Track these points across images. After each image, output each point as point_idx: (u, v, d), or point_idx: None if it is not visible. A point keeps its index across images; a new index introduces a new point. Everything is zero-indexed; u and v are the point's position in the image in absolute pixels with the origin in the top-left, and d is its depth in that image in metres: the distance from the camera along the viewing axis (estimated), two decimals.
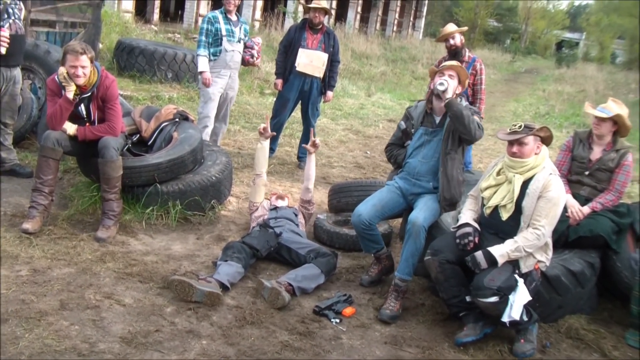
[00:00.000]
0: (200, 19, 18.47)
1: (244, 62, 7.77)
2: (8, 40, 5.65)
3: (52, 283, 4.35)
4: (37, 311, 3.94)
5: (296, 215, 5.66)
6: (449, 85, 4.72)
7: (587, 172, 5.14)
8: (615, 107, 5.00)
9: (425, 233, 4.65)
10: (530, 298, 4.09)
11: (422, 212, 4.72)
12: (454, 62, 4.93)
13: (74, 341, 3.69)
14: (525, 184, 4.22)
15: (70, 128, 5.29)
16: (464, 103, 4.81)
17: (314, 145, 5.82)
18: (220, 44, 7.37)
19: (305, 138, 8.34)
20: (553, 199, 4.14)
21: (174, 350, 3.76)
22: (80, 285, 4.38)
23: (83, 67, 5.13)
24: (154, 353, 3.70)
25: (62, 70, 5.14)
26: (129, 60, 11.27)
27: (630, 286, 4.69)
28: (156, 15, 18.57)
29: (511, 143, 4.27)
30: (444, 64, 4.98)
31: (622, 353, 4.47)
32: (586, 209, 4.97)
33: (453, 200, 4.79)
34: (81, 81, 5.17)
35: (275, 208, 5.69)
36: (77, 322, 3.91)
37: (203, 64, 7.34)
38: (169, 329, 3.99)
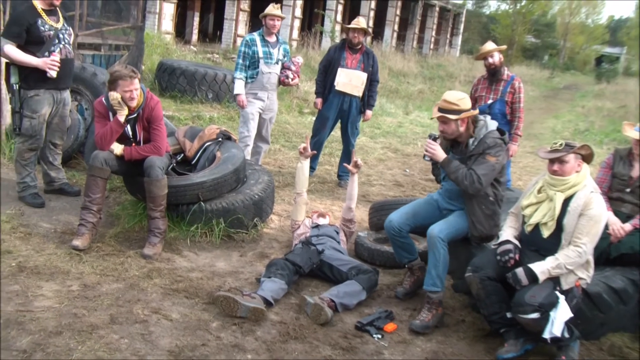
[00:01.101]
0: (238, 39, 18.76)
1: (280, 83, 7.89)
2: (59, 64, 5.85)
3: (101, 298, 4.49)
4: (89, 325, 4.07)
5: (337, 232, 5.74)
6: (435, 153, 4.77)
7: (628, 190, 5.14)
8: None
9: (444, 244, 4.71)
10: (572, 315, 4.10)
11: (440, 224, 4.80)
12: (442, 108, 4.78)
13: (124, 354, 3.81)
14: (566, 202, 4.24)
15: (117, 148, 5.46)
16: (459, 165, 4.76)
17: (356, 165, 5.89)
18: (258, 67, 7.51)
19: (345, 156, 8.42)
20: (594, 216, 4.16)
21: None
22: (129, 300, 4.51)
23: (136, 89, 5.33)
24: None
25: (115, 95, 5.30)
26: (171, 81, 11.51)
27: None
28: (195, 36, 18.93)
29: (552, 161, 4.30)
30: (436, 112, 4.85)
31: None
32: (628, 226, 4.96)
33: (483, 236, 4.81)
34: (134, 104, 5.36)
35: (317, 226, 5.78)
36: (127, 335, 4.03)
37: (239, 87, 7.50)
38: (215, 343, 4.09)
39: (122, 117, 5.35)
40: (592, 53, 62.36)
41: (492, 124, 4.81)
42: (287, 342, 4.21)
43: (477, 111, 4.87)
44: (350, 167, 5.93)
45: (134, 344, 3.95)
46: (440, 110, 4.78)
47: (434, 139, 4.85)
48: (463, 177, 4.66)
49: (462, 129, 4.75)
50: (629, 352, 4.59)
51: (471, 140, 4.79)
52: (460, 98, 4.76)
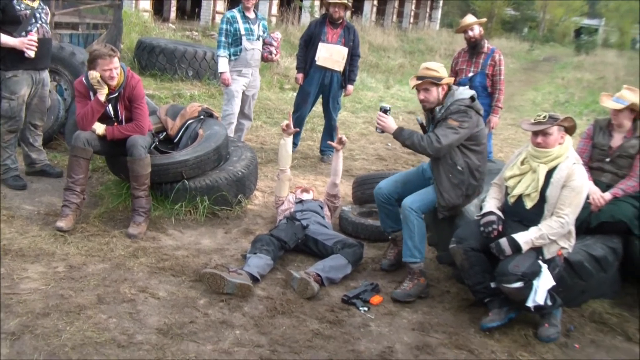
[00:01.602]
0: (217, 16, 18.61)
1: (263, 59, 7.87)
2: (37, 44, 5.79)
3: (88, 278, 4.50)
4: (76, 305, 4.08)
5: (322, 207, 5.78)
6: (386, 124, 4.80)
7: (608, 159, 5.20)
8: (630, 95, 5.05)
9: (417, 215, 4.77)
10: (554, 283, 4.17)
11: (414, 196, 4.86)
12: (424, 74, 4.83)
13: (113, 333, 3.83)
14: (549, 174, 4.28)
15: (100, 128, 5.43)
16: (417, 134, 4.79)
17: (341, 142, 5.90)
18: (240, 44, 7.47)
19: (327, 131, 8.44)
20: (577, 187, 4.21)
21: (208, 340, 3.89)
22: (115, 280, 4.53)
23: (115, 68, 5.29)
24: (189, 343, 3.83)
25: (94, 74, 5.27)
26: (150, 59, 11.42)
27: None
28: (173, 14, 18.74)
29: (536, 133, 4.33)
30: (416, 78, 4.90)
31: None
32: (608, 196, 5.02)
33: (449, 206, 4.83)
34: (114, 82, 5.33)
35: (301, 201, 5.80)
36: (115, 315, 4.05)
37: (223, 65, 7.46)
38: (203, 320, 4.12)
39: (102, 97, 5.32)
40: (571, 25, 62.44)
41: (463, 93, 4.82)
42: (275, 317, 4.25)
43: (452, 79, 4.91)
44: (334, 144, 5.93)
45: (123, 323, 3.97)
46: (421, 78, 4.81)
47: (385, 112, 4.85)
48: (419, 140, 4.68)
49: (441, 96, 4.82)
50: (609, 317, 4.68)
51: (438, 108, 4.84)
52: (439, 66, 4.84)
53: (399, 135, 4.76)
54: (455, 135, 4.66)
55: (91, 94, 5.37)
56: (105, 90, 5.32)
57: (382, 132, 4.88)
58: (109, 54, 5.22)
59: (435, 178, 4.83)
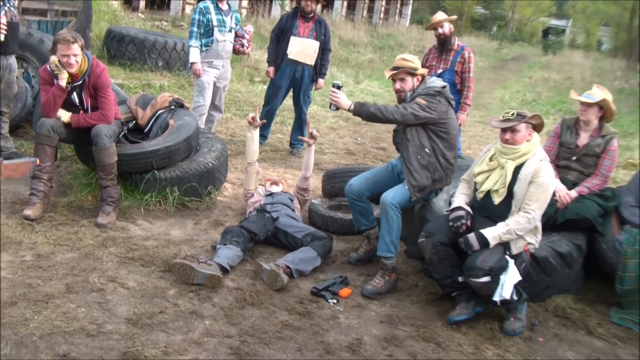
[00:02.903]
0: (187, 7, 18.48)
1: (235, 51, 7.86)
2: (6, 28, 5.71)
3: (56, 267, 4.46)
4: (44, 294, 4.05)
5: (292, 200, 5.80)
6: (339, 100, 4.82)
7: (574, 158, 5.30)
8: (600, 93, 5.16)
9: (396, 211, 4.79)
10: (521, 278, 4.25)
11: (393, 191, 4.88)
12: (400, 64, 4.93)
13: (82, 322, 3.81)
14: (517, 170, 4.36)
15: (65, 115, 5.38)
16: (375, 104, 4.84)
17: (312, 136, 5.92)
18: (212, 35, 7.44)
19: (297, 125, 8.46)
20: (543, 184, 4.29)
21: (178, 330, 3.89)
22: (84, 269, 4.50)
23: (75, 55, 5.21)
24: (159, 333, 3.82)
25: (53, 58, 5.22)
26: (119, 48, 11.29)
27: (615, 267, 4.84)
28: (143, 3, 18.54)
29: (504, 130, 4.41)
30: (392, 69, 4.99)
31: (606, 330, 4.64)
32: (573, 193, 5.12)
33: (420, 186, 4.86)
34: (73, 69, 5.26)
35: (271, 194, 5.81)
36: (84, 304, 4.03)
37: (194, 55, 7.42)
38: (173, 310, 4.11)
39: (62, 82, 5.24)
40: (539, 25, 63.12)
41: (435, 82, 4.93)
42: (244, 308, 4.26)
43: (427, 70, 4.99)
44: (306, 138, 5.95)
45: (91, 313, 3.95)
46: (396, 69, 4.87)
47: (338, 88, 4.87)
48: (384, 108, 4.72)
49: (415, 86, 4.91)
50: (572, 312, 4.79)
51: (409, 94, 4.92)
52: (414, 57, 4.96)
53: (360, 108, 4.77)
54: (421, 110, 4.72)
55: (55, 81, 5.31)
56: (65, 76, 5.24)
57: (337, 109, 4.89)
58: (68, 39, 5.15)
59: (404, 158, 4.88)
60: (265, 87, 8.75)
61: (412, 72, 4.86)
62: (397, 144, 5.17)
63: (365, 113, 4.77)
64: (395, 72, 4.91)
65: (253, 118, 5.96)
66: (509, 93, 19.10)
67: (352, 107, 4.78)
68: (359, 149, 9.40)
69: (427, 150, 4.83)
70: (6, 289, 4.06)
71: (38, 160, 5.29)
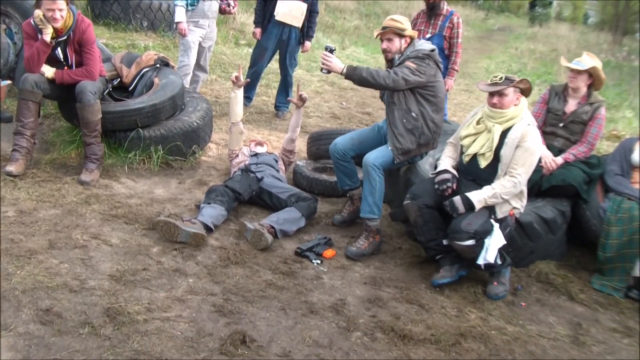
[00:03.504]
0: None
1: (221, 11, 7.73)
2: None
3: (39, 224, 4.43)
4: (27, 250, 4.03)
5: (276, 161, 5.77)
6: (331, 64, 4.74)
7: (561, 124, 5.29)
8: (590, 60, 5.14)
9: (379, 172, 4.78)
10: (505, 242, 4.26)
11: (376, 152, 4.87)
12: (388, 24, 4.89)
13: (65, 278, 3.79)
14: (504, 134, 4.35)
15: (49, 71, 5.29)
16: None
17: (301, 99, 5.86)
18: None
19: (282, 88, 8.39)
20: (530, 148, 4.29)
21: (161, 287, 3.88)
22: (67, 225, 4.47)
23: (60, 9, 5.11)
24: (142, 290, 3.81)
25: (38, 12, 5.11)
26: (104, 7, 11.10)
27: (598, 234, 4.88)
28: None
29: (492, 94, 4.39)
30: (381, 28, 4.95)
31: (588, 296, 4.69)
32: (559, 160, 5.13)
33: (403, 150, 4.84)
34: (58, 24, 5.15)
35: (256, 154, 5.78)
36: (67, 260, 4.01)
37: (180, 15, 7.28)
38: (156, 267, 4.10)
39: (47, 37, 5.14)
40: None
41: (424, 45, 4.89)
42: (228, 267, 4.26)
43: (415, 33, 4.94)
44: (295, 100, 5.90)
45: (74, 269, 3.93)
46: (385, 28, 4.85)
47: (330, 51, 4.81)
48: (375, 73, 4.66)
49: (403, 47, 4.88)
50: (555, 278, 4.83)
51: (397, 56, 4.90)
52: (404, 19, 4.90)
53: (353, 71, 4.71)
54: (411, 74, 4.68)
55: (39, 35, 5.21)
56: (50, 30, 5.14)
57: (329, 72, 4.84)
58: None
59: (390, 122, 4.86)
60: (251, 50, 8.65)
61: (399, 33, 4.82)
62: (385, 102, 5.15)
63: (357, 77, 4.71)
64: (382, 31, 4.87)
65: (237, 77, 5.89)
66: (495, 63, 19.06)
67: (344, 70, 4.72)
68: (344, 113, 9.35)
69: (413, 114, 4.81)
70: None
71: (10, 82, 5.17)
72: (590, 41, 28.87)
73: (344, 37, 17.77)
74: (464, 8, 38.53)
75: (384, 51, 4.90)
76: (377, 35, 4.95)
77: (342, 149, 5.07)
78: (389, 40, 4.87)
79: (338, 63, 4.77)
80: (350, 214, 5.29)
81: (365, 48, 16.60)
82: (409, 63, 4.72)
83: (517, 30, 35.52)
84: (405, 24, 4.85)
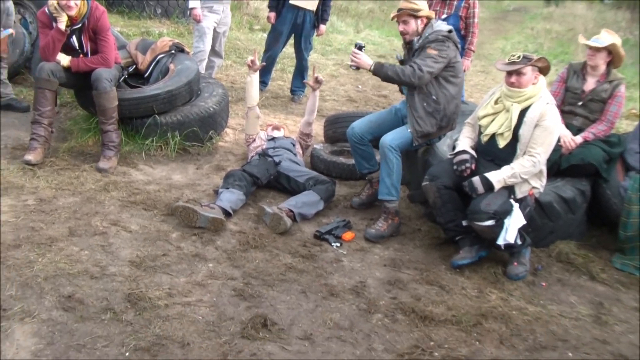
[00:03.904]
0: None
1: None
2: None
3: (59, 211, 4.45)
4: (48, 237, 4.06)
5: (294, 145, 5.76)
6: (360, 61, 4.77)
7: (580, 103, 5.23)
8: (608, 37, 5.07)
9: (396, 154, 4.77)
10: (525, 222, 4.23)
11: (392, 133, 4.86)
12: (403, 5, 4.85)
13: (86, 265, 3.82)
14: (522, 113, 4.30)
15: (64, 59, 5.30)
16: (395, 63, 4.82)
17: (317, 81, 5.84)
18: None
19: (298, 72, 8.37)
20: (549, 127, 4.25)
21: (182, 272, 3.90)
22: (87, 213, 4.49)
23: None
24: (162, 275, 3.83)
25: (52, 1, 5.12)
26: None
27: (618, 213, 4.83)
28: None
29: (509, 73, 4.34)
30: (397, 11, 4.92)
31: (609, 275, 4.66)
32: (578, 139, 5.07)
33: (423, 133, 4.85)
34: (73, 12, 5.16)
35: (273, 138, 5.77)
36: (87, 247, 4.03)
37: (194, 0, 7.28)
38: (176, 253, 4.12)
39: (62, 25, 5.15)
40: None
41: (440, 26, 4.85)
42: (247, 251, 4.27)
43: (432, 13, 4.90)
44: (311, 82, 5.88)
45: (95, 255, 3.95)
46: (400, 10, 4.82)
47: (360, 48, 4.84)
48: (402, 71, 4.68)
49: (420, 27, 4.83)
50: (575, 258, 4.80)
51: (416, 39, 4.86)
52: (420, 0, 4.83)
53: (380, 69, 4.74)
54: (435, 64, 4.68)
55: (54, 24, 5.21)
56: (65, 19, 5.15)
57: (357, 68, 4.85)
58: None
59: (410, 105, 4.84)
60: (265, 35, 8.61)
61: (414, 15, 4.78)
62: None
63: (383, 75, 4.75)
64: (398, 14, 4.84)
65: (252, 62, 5.87)
66: (511, 44, 18.89)
67: (372, 67, 4.75)
68: (360, 96, 9.31)
69: (433, 97, 4.79)
70: (9, 232, 4.06)
71: (13, 32, 5.18)
72: (607, 19, 28.49)
73: (358, 20, 17.68)
74: None
75: (402, 33, 4.88)
76: (392, 18, 4.91)
77: (360, 132, 5.06)
78: (405, 22, 4.82)
79: (367, 60, 4.79)
80: (369, 196, 5.28)
81: (380, 31, 16.51)
82: (430, 51, 4.69)
83: (532, 10, 35.09)
84: (420, 4, 4.81)
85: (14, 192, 4.65)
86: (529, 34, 21.95)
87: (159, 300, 3.56)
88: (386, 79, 4.77)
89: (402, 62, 5.11)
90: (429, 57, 4.67)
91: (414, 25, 4.80)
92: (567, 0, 41.18)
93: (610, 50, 5.06)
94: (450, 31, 4.80)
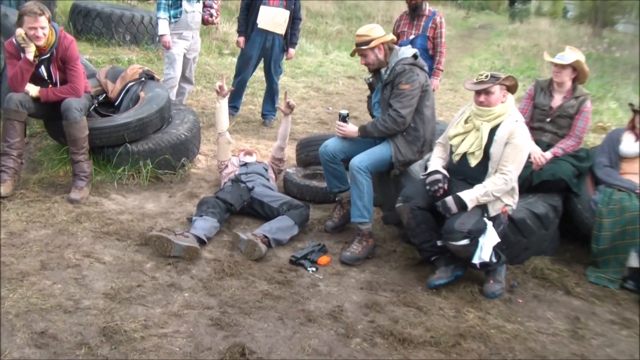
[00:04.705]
0: None
1: (204, 22, 7.73)
2: None
3: (30, 245, 4.39)
4: (19, 272, 3.99)
5: (266, 170, 5.75)
6: (346, 131, 5.05)
7: (548, 119, 5.31)
8: (573, 55, 5.17)
9: (365, 175, 4.80)
10: (499, 240, 4.26)
11: (362, 155, 4.88)
12: (356, 41, 4.93)
13: (59, 299, 3.76)
14: (492, 132, 4.34)
15: (33, 90, 5.26)
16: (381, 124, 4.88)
17: (289, 106, 5.88)
18: (180, 6, 7.26)
19: (269, 96, 8.39)
20: (519, 145, 4.29)
21: (157, 303, 3.85)
22: (59, 245, 4.43)
23: (42, 27, 5.09)
24: (138, 307, 3.78)
25: (20, 31, 5.08)
26: (86, 23, 11.06)
27: (590, 226, 4.90)
28: None
29: (478, 92, 4.39)
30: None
31: (584, 289, 4.70)
32: (548, 155, 5.14)
33: (405, 162, 4.92)
34: (41, 42, 5.13)
35: (245, 164, 5.76)
36: (60, 280, 3.97)
37: (163, 27, 7.25)
38: (151, 283, 4.07)
39: (30, 55, 5.11)
40: None
41: (405, 52, 4.90)
42: (223, 279, 4.23)
43: (390, 36, 4.95)
44: (282, 107, 5.90)
45: (68, 289, 3.89)
46: (356, 45, 4.89)
47: (344, 119, 5.06)
48: (383, 127, 4.83)
49: (380, 56, 4.89)
50: (550, 273, 4.84)
51: (384, 70, 4.91)
52: (370, 29, 4.91)
53: (365, 133, 4.93)
54: (412, 99, 4.77)
55: (22, 54, 5.17)
56: (33, 49, 5.12)
57: (345, 137, 5.07)
58: (35, 11, 5.02)
59: (390, 136, 4.88)
60: (235, 59, 8.63)
61: (369, 47, 4.85)
62: (370, 109, 5.28)
63: (370, 136, 4.95)
64: (354, 49, 4.96)
65: (220, 87, 5.88)
66: (478, 61, 19.11)
67: (358, 133, 4.98)
68: (331, 118, 9.33)
69: (412, 125, 4.86)
70: None
71: None
72: (570, 35, 29.00)
73: (327, 41, 17.78)
74: (444, 7, 38.62)
75: (366, 65, 4.97)
76: (352, 54, 5.02)
77: (332, 151, 5.07)
78: (363, 55, 4.91)
79: (352, 128, 5.05)
80: (341, 218, 5.29)
81: (348, 51, 16.55)
82: (402, 87, 4.76)
83: (498, 27, 35.65)
84: (371, 33, 4.86)
85: None
86: (495, 50, 22.24)
87: (135, 333, 3.51)
88: (376, 136, 4.93)
89: (370, 85, 5.16)
90: (403, 95, 4.75)
91: (372, 56, 4.88)
92: (530, 17, 41.91)
93: (574, 67, 5.14)
94: (415, 55, 4.86)
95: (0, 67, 7.05)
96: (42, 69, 5.33)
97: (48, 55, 5.27)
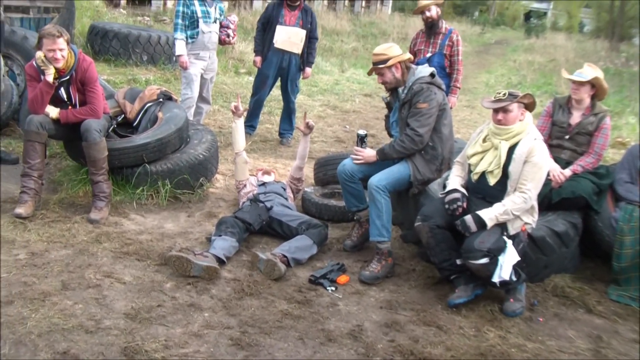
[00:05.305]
0: (168, 2, 18.36)
1: (221, 42, 7.81)
2: None
3: (51, 265, 4.42)
4: (40, 292, 4.01)
5: (284, 189, 5.77)
6: (364, 157, 5.08)
7: (567, 137, 5.29)
8: (591, 71, 5.16)
9: (384, 194, 4.80)
10: (519, 258, 4.24)
11: (380, 174, 4.89)
12: (372, 60, 5.01)
13: (80, 319, 3.77)
14: (511, 150, 4.33)
15: (53, 111, 5.32)
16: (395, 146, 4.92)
17: (308, 126, 5.91)
18: (197, 26, 7.35)
19: (286, 115, 8.44)
20: (538, 163, 4.28)
21: (177, 323, 3.86)
22: (79, 265, 4.46)
23: (61, 49, 5.16)
24: (158, 327, 3.79)
25: (39, 54, 5.15)
26: (103, 44, 11.20)
27: (611, 244, 4.85)
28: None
29: (496, 111, 4.38)
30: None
31: (605, 307, 4.65)
32: (567, 172, 5.12)
33: (424, 181, 4.93)
34: (60, 64, 5.20)
35: (264, 183, 5.78)
36: (81, 300, 3.99)
37: (180, 48, 7.33)
38: (171, 303, 4.08)
39: (49, 77, 5.18)
40: (521, 8, 63.20)
41: (422, 71, 4.92)
42: (243, 299, 4.24)
43: (407, 55, 4.98)
44: (302, 127, 5.93)
45: (89, 309, 3.91)
46: (373, 64, 4.93)
47: (362, 140, 5.15)
48: (401, 146, 4.84)
49: (398, 75, 4.94)
50: (571, 291, 4.79)
51: (401, 89, 4.95)
52: (387, 47, 4.98)
53: (383, 156, 4.95)
54: (429, 118, 4.79)
55: (42, 77, 5.24)
56: (52, 71, 5.18)
57: (361, 161, 5.10)
58: (54, 34, 5.09)
59: (409, 156, 4.89)
60: (251, 78, 8.69)
61: (386, 66, 4.89)
62: (387, 128, 5.31)
63: (389, 158, 4.96)
64: (371, 69, 5.03)
65: (236, 107, 5.93)
66: (494, 77, 19.13)
67: (377, 157, 5.00)
68: (348, 136, 9.37)
69: (430, 144, 4.88)
70: (2, 288, 4.01)
71: None
72: (587, 49, 28.97)
73: (343, 59, 17.88)
74: (460, 24, 38.76)
75: (383, 84, 5.02)
76: (369, 73, 5.07)
77: (350, 170, 5.08)
78: (380, 74, 4.96)
79: (370, 152, 5.07)
80: (360, 237, 5.28)
81: (364, 69, 16.63)
82: (420, 106, 4.80)
83: (514, 42, 35.67)
84: (388, 52, 4.91)
85: (5, 247, 4.61)
86: (511, 66, 22.22)
87: (156, 353, 3.52)
88: (395, 158, 4.94)
89: (388, 104, 5.19)
90: (421, 114, 4.78)
91: (389, 74, 4.92)
92: (546, 32, 41.86)
93: (593, 84, 5.13)
94: (432, 74, 4.89)
95: (20, 89, 7.15)
96: (62, 90, 5.39)
97: (67, 77, 5.34)
